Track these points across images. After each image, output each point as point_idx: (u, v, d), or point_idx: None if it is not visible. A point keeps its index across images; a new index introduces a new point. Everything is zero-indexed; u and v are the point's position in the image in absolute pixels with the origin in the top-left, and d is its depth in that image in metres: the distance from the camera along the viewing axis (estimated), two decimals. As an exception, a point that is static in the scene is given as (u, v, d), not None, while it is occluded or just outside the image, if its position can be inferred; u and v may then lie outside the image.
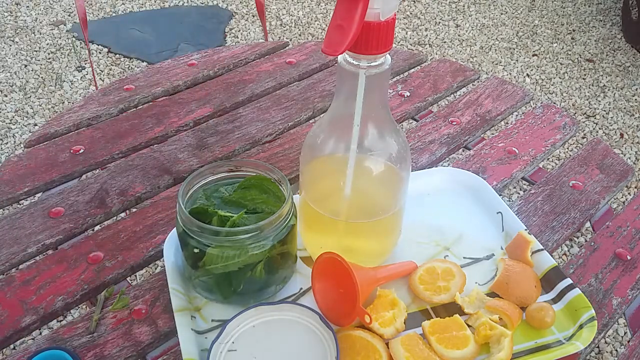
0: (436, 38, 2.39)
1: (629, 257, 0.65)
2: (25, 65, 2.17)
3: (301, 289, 0.58)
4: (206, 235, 0.51)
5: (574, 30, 2.40)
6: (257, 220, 0.52)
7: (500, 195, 0.70)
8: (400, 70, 0.97)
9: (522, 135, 0.83)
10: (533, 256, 0.60)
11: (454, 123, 0.84)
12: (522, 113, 1.17)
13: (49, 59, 2.21)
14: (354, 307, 0.51)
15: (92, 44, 2.30)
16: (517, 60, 2.20)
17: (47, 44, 2.29)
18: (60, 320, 1.11)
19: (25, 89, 2.05)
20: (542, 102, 0.91)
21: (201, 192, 0.56)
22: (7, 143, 1.82)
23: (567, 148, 1.75)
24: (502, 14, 2.52)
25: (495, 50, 2.27)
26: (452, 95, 0.98)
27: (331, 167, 0.56)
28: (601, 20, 2.48)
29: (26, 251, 0.63)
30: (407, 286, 0.58)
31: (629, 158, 1.79)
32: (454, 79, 0.94)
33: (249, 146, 0.79)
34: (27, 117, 1.93)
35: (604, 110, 1.99)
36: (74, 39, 2.33)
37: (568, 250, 1.40)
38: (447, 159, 0.81)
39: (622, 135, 1.88)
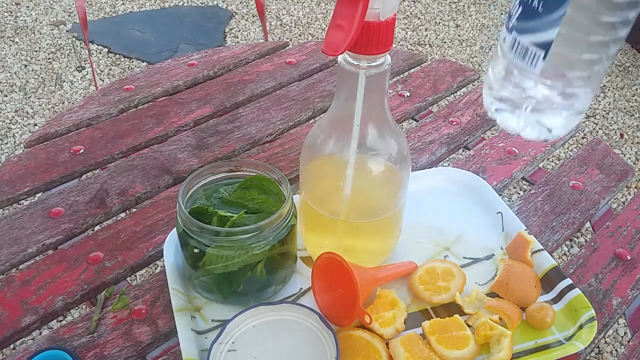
0: (436, 38, 2.39)
1: (629, 257, 0.65)
2: (25, 65, 2.17)
3: (301, 289, 0.58)
4: (206, 235, 0.51)
5: (574, 30, 2.40)
6: (257, 220, 0.52)
7: (500, 195, 0.70)
8: (400, 70, 0.97)
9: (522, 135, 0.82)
10: (533, 256, 0.60)
11: (454, 123, 0.84)
12: (522, 113, 1.17)
13: (49, 59, 2.21)
14: (354, 307, 0.51)
15: (92, 44, 2.30)
16: (517, 60, 2.20)
17: (47, 44, 2.29)
18: (60, 320, 1.11)
19: (25, 89, 2.05)
20: (542, 102, 0.90)
21: (201, 192, 0.56)
22: (7, 143, 1.82)
23: (567, 148, 1.75)
24: (502, 14, 2.52)
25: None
26: (452, 95, 0.98)
27: (331, 167, 0.56)
28: (601, 20, 2.48)
29: (26, 251, 0.63)
30: (407, 286, 0.58)
31: (629, 158, 1.79)
32: (454, 79, 0.94)
33: (249, 146, 0.79)
34: (27, 117, 1.93)
35: (604, 110, 1.99)
36: (74, 39, 2.33)
37: (568, 250, 1.40)
38: (447, 159, 0.81)
39: (622, 135, 1.88)
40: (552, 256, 0.61)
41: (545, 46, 0.62)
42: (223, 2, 2.65)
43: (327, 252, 0.53)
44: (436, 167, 0.77)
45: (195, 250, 0.52)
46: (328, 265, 0.53)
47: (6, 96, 2.02)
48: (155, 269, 1.14)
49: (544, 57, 0.62)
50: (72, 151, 0.77)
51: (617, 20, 0.59)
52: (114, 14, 2.54)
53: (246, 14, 2.56)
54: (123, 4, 2.60)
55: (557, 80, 0.65)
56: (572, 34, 0.60)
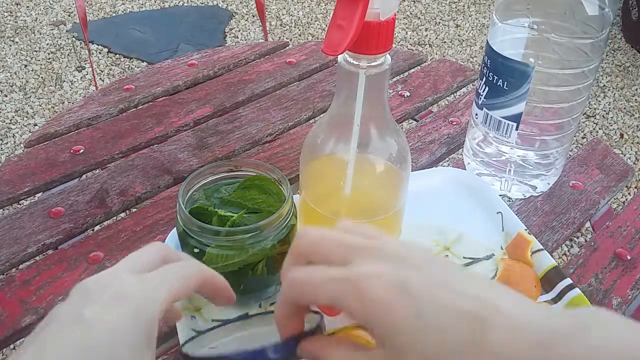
0: (436, 38, 2.39)
1: (629, 257, 0.65)
2: (25, 65, 2.17)
3: (301, 289, 0.58)
4: (206, 235, 0.51)
5: (574, 30, 2.40)
6: (257, 220, 0.52)
7: (500, 195, 0.70)
8: (400, 70, 0.97)
9: (522, 135, 0.82)
10: (533, 256, 0.60)
11: (454, 123, 0.84)
12: (522, 113, 1.17)
13: (49, 59, 2.21)
14: None
15: (92, 44, 2.30)
16: (517, 60, 2.20)
17: (47, 44, 2.30)
18: (60, 320, 1.10)
19: (25, 89, 2.06)
20: (542, 102, 0.91)
21: (201, 192, 0.56)
22: (7, 143, 1.82)
23: (567, 148, 1.75)
24: (502, 14, 2.52)
25: (495, 50, 2.27)
26: (452, 95, 0.98)
27: (331, 167, 0.56)
28: (601, 20, 2.48)
29: (26, 251, 0.63)
30: (407, 286, 0.58)
31: (629, 158, 1.79)
32: (454, 79, 0.94)
33: (249, 146, 0.79)
34: (27, 117, 1.93)
35: (604, 111, 1.99)
36: (74, 39, 2.33)
37: (568, 250, 1.40)
38: (447, 159, 0.81)
39: (622, 136, 1.88)
40: (552, 256, 0.61)
41: (516, 118, 0.64)
42: (223, 2, 2.65)
43: None
44: (436, 167, 0.77)
45: (195, 250, 0.52)
46: None
47: (6, 96, 2.02)
48: (155, 269, 1.14)
49: (517, 128, 0.64)
50: (72, 151, 0.77)
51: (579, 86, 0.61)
52: (114, 14, 2.54)
53: (246, 14, 2.56)
54: (123, 4, 2.60)
55: (533, 144, 0.67)
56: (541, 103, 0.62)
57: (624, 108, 2.00)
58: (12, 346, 0.58)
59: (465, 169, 0.74)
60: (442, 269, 0.32)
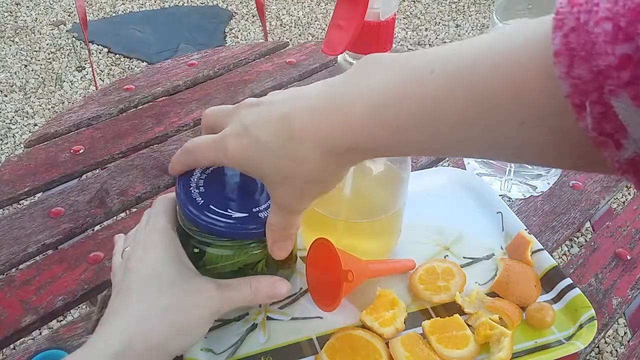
0: (436, 38, 2.39)
1: (629, 257, 0.65)
2: (25, 65, 2.17)
3: (301, 288, 0.58)
4: (206, 235, 0.50)
5: (574, 30, 2.40)
6: (257, 220, 0.52)
7: (500, 195, 0.70)
8: (400, 70, 0.97)
9: (522, 135, 0.82)
10: (533, 256, 0.60)
11: (454, 123, 0.84)
12: (522, 113, 1.16)
13: (49, 59, 2.21)
14: (339, 286, 0.51)
15: (92, 44, 2.30)
16: (517, 60, 2.20)
17: (47, 44, 2.30)
18: (60, 320, 1.11)
19: (25, 89, 2.06)
20: (542, 102, 0.90)
21: (201, 192, 0.56)
22: (7, 143, 1.82)
23: (567, 148, 1.75)
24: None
25: (495, 50, 2.27)
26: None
27: (331, 167, 0.55)
28: (601, 20, 2.48)
29: (26, 251, 0.63)
30: (407, 286, 0.58)
31: (629, 158, 1.78)
32: (454, 79, 0.94)
33: (249, 146, 0.79)
34: (27, 117, 1.93)
35: (604, 110, 1.99)
36: (74, 39, 2.33)
37: (568, 250, 1.40)
38: (447, 159, 0.81)
39: (622, 135, 1.88)
40: (552, 256, 0.61)
41: None
42: (223, 2, 2.65)
43: (320, 237, 0.53)
44: (436, 167, 0.77)
45: (195, 250, 0.52)
46: (320, 250, 0.54)
47: (6, 96, 2.02)
48: (155, 269, 1.14)
49: None
50: (72, 151, 0.77)
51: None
52: (114, 14, 2.54)
53: (246, 14, 2.56)
54: (123, 4, 2.60)
55: None
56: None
57: (624, 108, 2.00)
58: (12, 346, 0.58)
59: (465, 169, 0.74)
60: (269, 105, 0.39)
